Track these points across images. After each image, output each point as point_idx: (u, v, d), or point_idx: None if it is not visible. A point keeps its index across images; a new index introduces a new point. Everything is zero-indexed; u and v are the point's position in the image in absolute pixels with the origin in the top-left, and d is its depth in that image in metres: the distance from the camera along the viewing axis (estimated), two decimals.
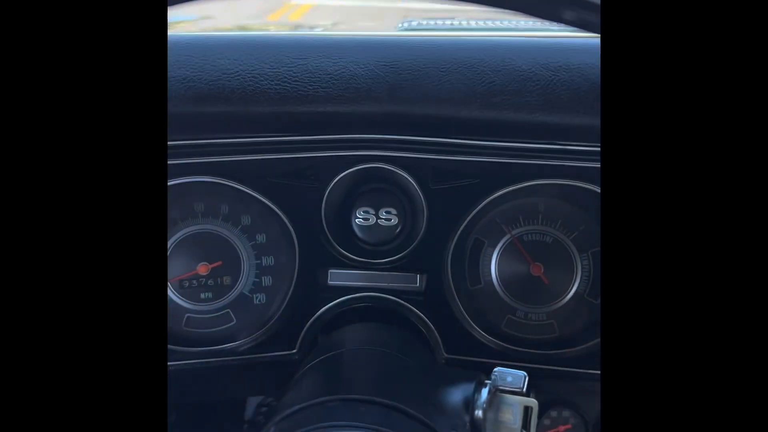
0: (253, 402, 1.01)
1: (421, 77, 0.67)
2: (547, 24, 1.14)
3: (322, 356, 0.61)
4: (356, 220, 0.75)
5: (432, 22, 1.06)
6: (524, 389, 0.54)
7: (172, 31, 0.70)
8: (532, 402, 0.53)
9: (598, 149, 0.66)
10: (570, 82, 0.65)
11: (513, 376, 0.54)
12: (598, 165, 0.69)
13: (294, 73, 0.67)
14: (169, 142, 0.68)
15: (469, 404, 0.53)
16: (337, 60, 0.68)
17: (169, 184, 0.72)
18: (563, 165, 0.70)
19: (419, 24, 1.05)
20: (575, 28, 0.34)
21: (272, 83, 0.67)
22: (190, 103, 0.66)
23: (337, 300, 0.74)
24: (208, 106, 0.66)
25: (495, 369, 0.54)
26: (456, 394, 0.54)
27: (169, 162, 0.70)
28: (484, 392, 0.53)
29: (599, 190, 0.71)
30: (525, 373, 0.54)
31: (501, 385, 0.54)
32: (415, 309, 0.74)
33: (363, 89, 0.67)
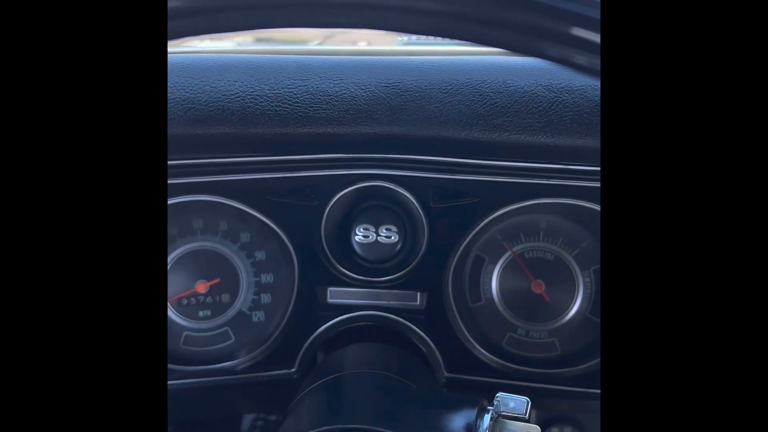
0: (249, 416, 1.00)
1: (422, 99, 0.67)
2: None
3: (322, 380, 0.60)
4: (356, 237, 0.74)
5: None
6: (527, 415, 0.53)
7: (172, 50, 0.70)
8: (535, 429, 0.52)
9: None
10: (572, 104, 0.65)
11: (515, 402, 0.53)
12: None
13: (294, 94, 0.67)
14: (168, 162, 0.68)
15: (471, 431, 0.52)
16: (338, 81, 0.68)
17: (168, 203, 0.71)
18: (565, 185, 0.70)
19: (419, 37, 1.05)
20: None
21: (272, 105, 0.66)
22: (189, 124, 0.65)
23: (337, 319, 0.74)
24: (208, 127, 0.66)
25: (497, 394, 0.54)
26: (458, 421, 0.53)
27: (168, 181, 0.69)
28: (486, 418, 0.53)
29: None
30: (528, 399, 0.53)
31: (503, 411, 0.53)
32: (415, 327, 0.74)
33: (364, 111, 0.66)
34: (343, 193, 0.72)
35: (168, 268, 0.75)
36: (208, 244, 0.75)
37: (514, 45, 0.32)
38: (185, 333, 0.76)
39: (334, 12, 0.32)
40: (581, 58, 0.33)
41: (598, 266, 0.74)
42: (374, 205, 0.75)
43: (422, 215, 0.72)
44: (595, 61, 0.31)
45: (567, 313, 0.75)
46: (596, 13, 0.31)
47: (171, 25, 0.31)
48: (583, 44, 0.32)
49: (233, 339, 0.76)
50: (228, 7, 0.32)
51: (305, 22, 0.33)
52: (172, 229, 0.74)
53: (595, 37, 0.31)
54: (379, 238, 0.74)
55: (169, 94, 0.66)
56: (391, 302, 0.74)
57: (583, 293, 0.75)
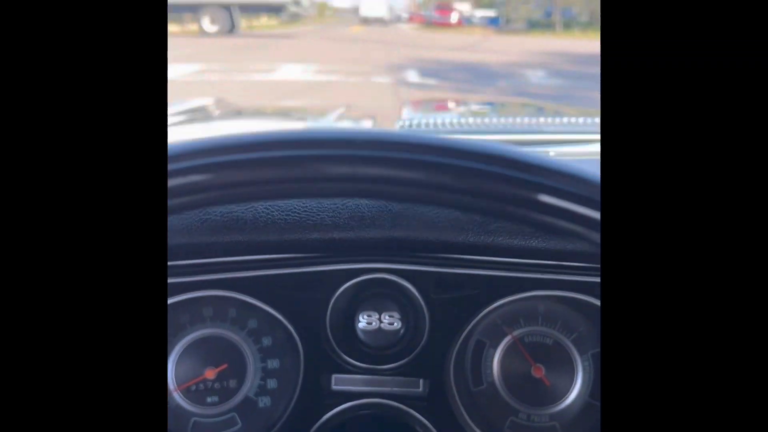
0: None
1: (420, 205, 0.70)
2: (555, 125, 1.18)
3: None
4: (359, 324, 0.76)
5: (431, 121, 1.10)
6: None
7: None
8: None
9: (596, 266, 0.68)
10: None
11: None
12: (596, 279, 0.71)
13: (303, 204, 0.70)
14: (180, 263, 0.71)
15: None
16: None
17: (177, 299, 0.74)
18: (561, 279, 0.72)
19: (419, 124, 1.08)
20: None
21: (283, 214, 0.70)
22: (206, 233, 0.69)
23: (341, 406, 0.75)
24: (222, 235, 0.69)
25: None
26: None
27: (178, 280, 0.72)
28: None
29: (598, 303, 0.73)
30: None
31: None
32: (418, 415, 0.75)
33: (367, 218, 0.70)
34: (346, 285, 0.74)
35: (178, 354, 0.77)
36: (217, 331, 0.77)
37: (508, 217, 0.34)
38: (193, 419, 0.77)
39: (328, 185, 0.34)
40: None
41: (597, 350, 0.76)
42: (377, 293, 0.77)
43: (423, 305, 0.74)
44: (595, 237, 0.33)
45: (567, 397, 0.76)
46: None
47: (173, 202, 0.34)
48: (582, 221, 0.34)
49: (240, 425, 0.77)
50: (224, 186, 0.34)
51: (302, 194, 0.35)
52: (182, 317, 0.77)
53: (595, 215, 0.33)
54: (382, 325, 0.76)
55: None
56: (394, 389, 0.76)
57: (583, 377, 0.76)
